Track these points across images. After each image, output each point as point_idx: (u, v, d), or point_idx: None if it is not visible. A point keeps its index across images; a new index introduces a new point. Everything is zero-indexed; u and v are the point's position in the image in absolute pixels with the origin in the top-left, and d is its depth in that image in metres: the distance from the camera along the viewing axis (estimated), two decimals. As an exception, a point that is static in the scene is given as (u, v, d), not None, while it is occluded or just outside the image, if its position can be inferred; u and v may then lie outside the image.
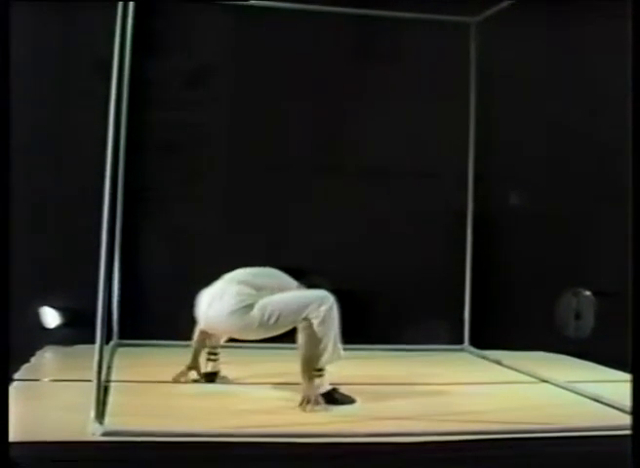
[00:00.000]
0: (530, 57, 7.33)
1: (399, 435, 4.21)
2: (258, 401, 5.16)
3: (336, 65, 7.35)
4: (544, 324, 7.38)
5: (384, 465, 4.02)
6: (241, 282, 5.23)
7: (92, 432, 3.99)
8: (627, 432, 4.12)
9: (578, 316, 7.45)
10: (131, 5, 5.89)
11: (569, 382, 5.83)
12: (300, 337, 5.03)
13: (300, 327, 5.03)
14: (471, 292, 7.31)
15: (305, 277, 5.42)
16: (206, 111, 7.29)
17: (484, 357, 7.01)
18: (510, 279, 7.45)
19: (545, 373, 6.13)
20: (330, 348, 5.01)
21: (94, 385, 4.22)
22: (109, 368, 5.66)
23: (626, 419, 4.57)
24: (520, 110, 7.40)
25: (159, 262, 7.17)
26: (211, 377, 5.61)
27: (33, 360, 6.13)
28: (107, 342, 6.12)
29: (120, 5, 4.51)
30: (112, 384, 5.24)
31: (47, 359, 6.41)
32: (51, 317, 6.90)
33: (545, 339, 7.26)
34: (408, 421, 4.69)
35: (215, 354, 5.65)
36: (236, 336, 5.39)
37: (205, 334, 5.54)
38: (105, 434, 3.96)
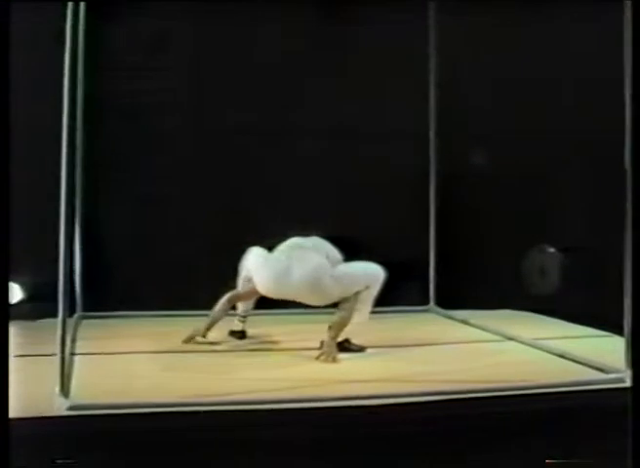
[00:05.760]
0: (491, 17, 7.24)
1: (365, 398, 4.24)
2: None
3: (298, 31, 7.26)
4: (510, 282, 7.39)
5: (351, 429, 4.03)
6: (310, 249, 5.63)
7: (57, 406, 3.99)
8: (593, 387, 4.24)
9: (543, 273, 7.48)
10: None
11: (535, 339, 5.87)
12: (346, 304, 5.43)
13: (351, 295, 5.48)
14: (436, 251, 7.29)
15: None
16: (168, 78, 7.20)
17: (450, 317, 7.03)
18: (475, 237, 7.48)
19: (512, 331, 6.16)
20: (364, 311, 5.53)
21: (57, 359, 4.19)
22: (74, 340, 5.66)
23: (592, 374, 4.76)
24: (483, 68, 7.40)
25: (122, 232, 7.08)
26: (240, 335, 6.00)
27: (-5, 336, 6.09)
28: (71, 315, 6.14)
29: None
30: (77, 357, 5.22)
31: (10, 334, 6.33)
32: (12, 292, 6.83)
33: (512, 297, 7.31)
34: (375, 383, 4.75)
35: (245, 316, 6.04)
36: (306, 302, 5.65)
37: (229, 305, 5.81)
38: (71, 408, 3.97)
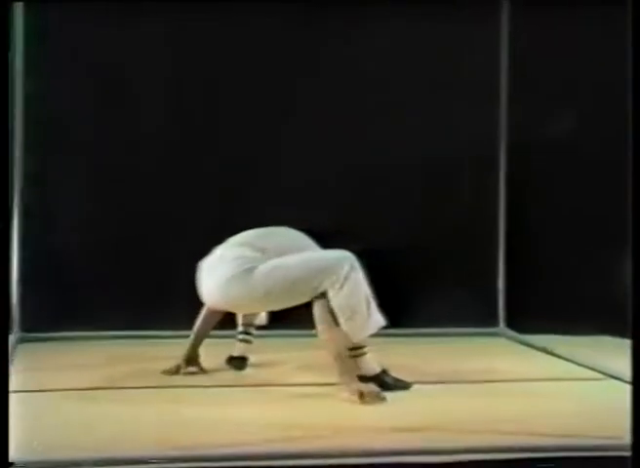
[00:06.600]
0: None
1: (412, 453, 4.05)
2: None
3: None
4: (607, 298, 7.06)
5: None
6: (242, 244, 5.48)
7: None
8: None
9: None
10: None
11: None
12: (317, 314, 5.15)
13: (315, 302, 5.16)
14: (506, 257, 7.44)
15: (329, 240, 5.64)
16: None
17: (526, 343, 7.00)
18: (559, 240, 7.39)
19: (613, 366, 5.89)
20: (359, 318, 5.12)
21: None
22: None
23: None
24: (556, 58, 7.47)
25: (74, 231, 7.13)
26: (239, 364, 5.91)
27: None
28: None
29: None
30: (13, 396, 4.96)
31: None
32: None
33: (610, 319, 6.94)
34: (419, 433, 4.51)
35: (248, 334, 5.96)
36: (237, 310, 5.71)
37: (212, 317, 5.79)
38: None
